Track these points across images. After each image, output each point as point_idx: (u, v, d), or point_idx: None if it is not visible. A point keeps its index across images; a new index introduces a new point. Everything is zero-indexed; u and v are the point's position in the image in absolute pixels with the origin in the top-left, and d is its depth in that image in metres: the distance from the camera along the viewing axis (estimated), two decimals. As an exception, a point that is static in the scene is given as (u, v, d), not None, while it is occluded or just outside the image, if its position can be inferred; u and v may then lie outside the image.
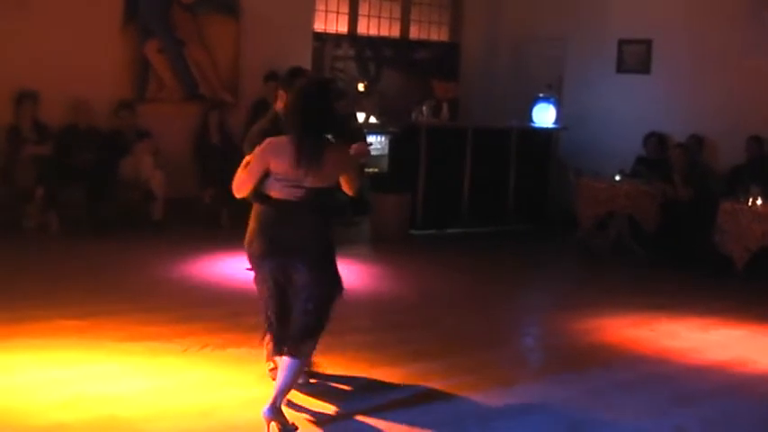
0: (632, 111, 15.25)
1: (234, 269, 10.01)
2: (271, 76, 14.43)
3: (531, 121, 15.55)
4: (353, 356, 7.99)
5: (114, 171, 12.98)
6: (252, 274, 6.66)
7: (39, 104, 12.74)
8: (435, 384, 7.49)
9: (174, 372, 7.47)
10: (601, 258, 13.38)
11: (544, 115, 15.53)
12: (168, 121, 13.84)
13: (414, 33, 17.32)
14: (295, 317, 6.47)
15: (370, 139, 15.48)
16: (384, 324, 9.29)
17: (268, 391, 6.67)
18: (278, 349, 6.56)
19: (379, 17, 16.88)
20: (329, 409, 6.86)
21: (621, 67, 15.74)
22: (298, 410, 6.72)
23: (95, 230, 12.37)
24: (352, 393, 7.25)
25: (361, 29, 16.74)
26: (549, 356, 8.97)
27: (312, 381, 7.35)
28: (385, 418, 6.72)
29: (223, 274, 10.73)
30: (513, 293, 11.26)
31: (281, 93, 7.20)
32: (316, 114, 6.33)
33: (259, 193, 6.38)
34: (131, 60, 13.86)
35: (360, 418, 6.75)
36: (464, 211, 14.65)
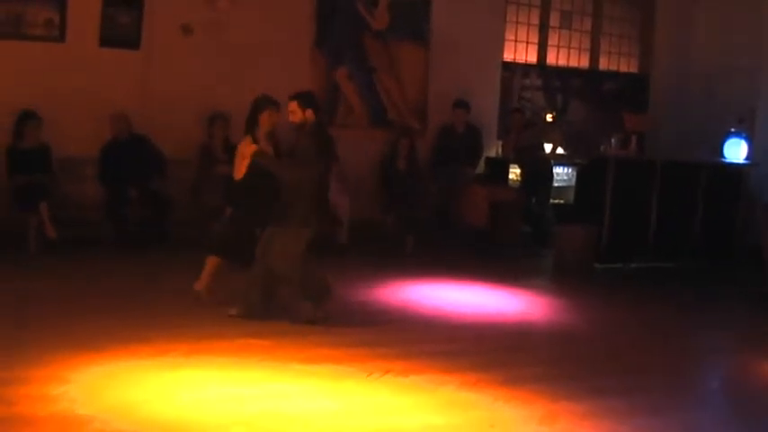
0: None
1: (417, 295, 9.97)
2: (459, 104, 14.54)
3: (722, 155, 15.20)
4: (534, 389, 7.87)
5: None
6: None
7: (230, 125, 13.04)
8: (617, 422, 7.37)
9: (356, 395, 7.51)
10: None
11: (735, 151, 15.14)
12: (355, 146, 13.94)
13: (603, 64, 17.18)
14: None
15: (557, 170, 15.43)
16: (565, 357, 9.17)
17: (449, 418, 6.67)
18: None
19: (569, 47, 16.81)
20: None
21: (817, 100, 15.35)
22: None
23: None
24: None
25: (550, 59, 16.69)
26: (733, 400, 8.72)
27: None
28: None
29: (406, 300, 10.76)
30: (698, 332, 10.98)
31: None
32: None
33: None
34: (321, 86, 14.06)
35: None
36: (650, 245, 14.38)
